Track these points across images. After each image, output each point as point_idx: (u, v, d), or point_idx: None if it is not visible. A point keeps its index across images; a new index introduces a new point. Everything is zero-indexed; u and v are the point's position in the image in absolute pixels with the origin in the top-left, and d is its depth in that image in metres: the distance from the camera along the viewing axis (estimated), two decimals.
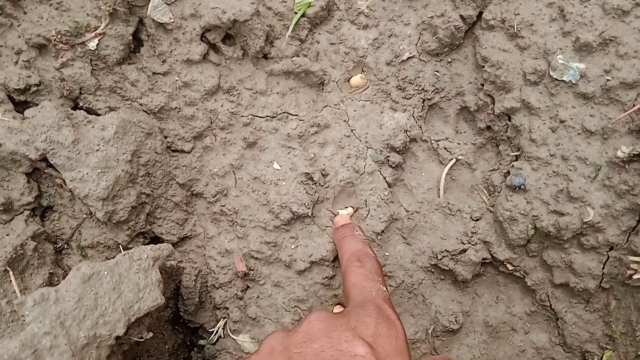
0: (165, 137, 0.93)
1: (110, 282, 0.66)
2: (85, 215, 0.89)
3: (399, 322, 0.60)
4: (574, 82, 0.82)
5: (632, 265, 0.80)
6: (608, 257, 0.84)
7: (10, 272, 0.74)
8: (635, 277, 0.80)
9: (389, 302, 0.66)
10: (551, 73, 0.83)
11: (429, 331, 0.96)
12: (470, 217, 0.94)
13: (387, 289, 0.72)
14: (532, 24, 0.85)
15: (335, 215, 0.95)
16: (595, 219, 0.82)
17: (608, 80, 0.80)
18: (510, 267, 0.93)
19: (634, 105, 0.79)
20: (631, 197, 0.80)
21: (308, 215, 0.93)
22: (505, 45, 0.88)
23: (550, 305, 0.92)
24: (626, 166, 0.80)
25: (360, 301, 0.65)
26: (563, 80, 0.82)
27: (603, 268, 0.85)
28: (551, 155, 0.85)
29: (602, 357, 0.87)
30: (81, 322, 0.62)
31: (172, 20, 0.89)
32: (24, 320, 0.72)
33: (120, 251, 0.81)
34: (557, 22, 0.84)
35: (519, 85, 0.87)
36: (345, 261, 0.80)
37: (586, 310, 0.90)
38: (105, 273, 0.66)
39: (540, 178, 0.86)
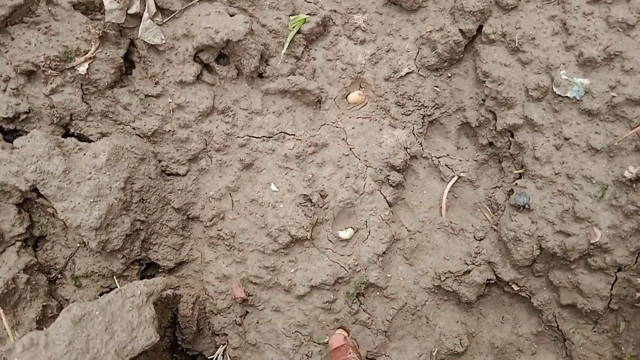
0: (160, 161, 0.91)
1: (102, 323, 0.64)
2: (78, 244, 0.87)
3: None
4: (578, 98, 0.79)
5: None
6: (616, 278, 0.82)
7: (0, 311, 0.72)
8: None
9: None
10: (554, 89, 0.81)
11: (434, 354, 0.94)
12: (474, 237, 0.92)
13: None
14: (534, 38, 0.82)
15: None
16: (602, 240, 0.79)
17: (613, 96, 0.77)
18: (515, 288, 0.90)
19: None
20: (639, 217, 0.77)
21: (307, 238, 0.91)
22: (506, 59, 0.85)
23: (557, 325, 0.89)
24: (634, 186, 0.77)
25: None
26: (567, 96, 0.80)
27: (611, 289, 0.83)
28: (556, 174, 0.82)
29: None
30: None
31: (164, 42, 0.87)
32: None
33: (115, 280, 0.80)
34: (559, 35, 0.81)
35: (522, 101, 0.84)
36: None
37: (594, 331, 0.87)
38: (97, 313, 0.64)
39: (545, 197, 0.83)
